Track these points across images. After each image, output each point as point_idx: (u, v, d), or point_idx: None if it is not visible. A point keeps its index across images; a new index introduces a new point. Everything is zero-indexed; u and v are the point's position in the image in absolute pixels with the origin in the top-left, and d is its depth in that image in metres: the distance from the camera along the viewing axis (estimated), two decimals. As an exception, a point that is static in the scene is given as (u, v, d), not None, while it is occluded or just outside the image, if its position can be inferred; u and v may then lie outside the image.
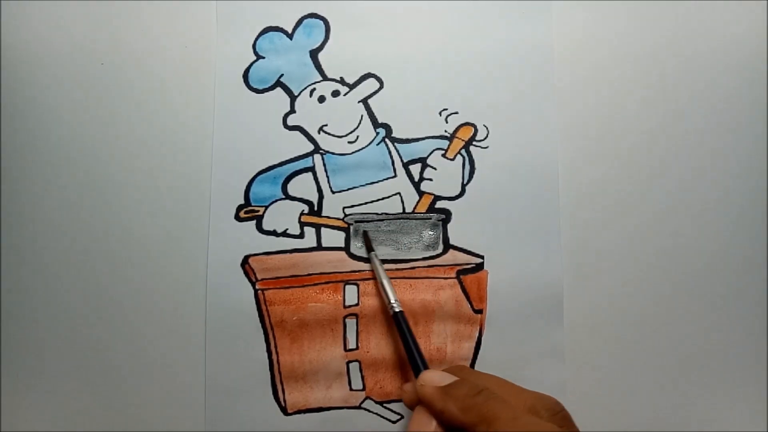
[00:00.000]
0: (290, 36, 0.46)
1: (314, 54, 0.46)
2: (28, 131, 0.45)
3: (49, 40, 0.46)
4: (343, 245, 0.44)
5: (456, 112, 0.46)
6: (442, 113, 0.46)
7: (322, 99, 0.46)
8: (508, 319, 0.44)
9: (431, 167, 0.45)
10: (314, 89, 0.46)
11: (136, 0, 0.46)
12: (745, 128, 0.46)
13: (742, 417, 0.44)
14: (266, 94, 0.46)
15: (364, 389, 0.43)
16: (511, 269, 0.44)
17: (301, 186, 0.45)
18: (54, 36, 0.46)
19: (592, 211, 0.45)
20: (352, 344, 0.44)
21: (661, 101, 0.46)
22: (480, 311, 0.44)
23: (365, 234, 0.44)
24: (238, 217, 0.44)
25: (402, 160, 0.45)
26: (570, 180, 0.45)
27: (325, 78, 0.46)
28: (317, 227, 0.45)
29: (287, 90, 0.46)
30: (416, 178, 0.45)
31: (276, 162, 0.45)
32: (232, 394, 0.43)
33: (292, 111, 0.45)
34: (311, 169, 0.45)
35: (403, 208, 0.45)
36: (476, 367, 0.44)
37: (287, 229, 0.44)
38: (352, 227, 0.45)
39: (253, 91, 0.46)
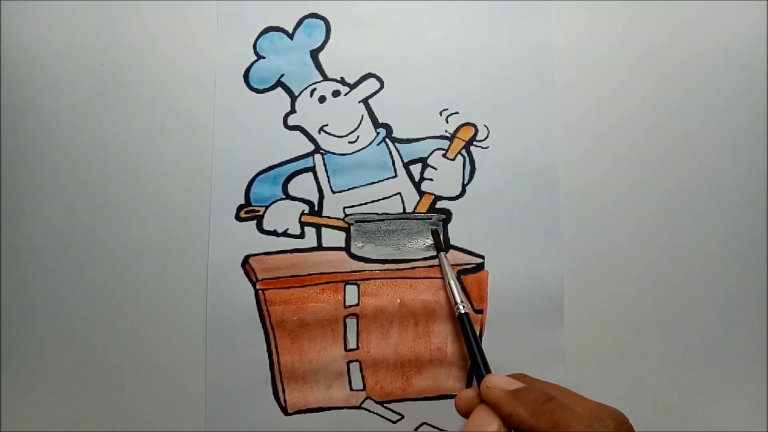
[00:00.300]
0: (291, 36, 0.46)
1: (315, 54, 0.46)
2: (29, 131, 0.45)
3: (49, 40, 0.46)
4: (343, 245, 0.44)
5: (456, 112, 0.46)
6: (443, 113, 0.46)
7: (322, 99, 0.46)
8: (508, 319, 0.44)
9: (432, 167, 0.45)
10: (315, 89, 0.46)
11: (136, 0, 0.46)
12: (745, 128, 0.46)
13: (742, 417, 0.44)
14: (267, 94, 0.46)
15: (364, 389, 0.43)
16: (511, 269, 0.44)
17: (302, 186, 0.45)
18: (54, 36, 0.46)
19: (592, 211, 0.45)
20: (352, 344, 0.44)
21: (661, 101, 0.46)
22: (480, 311, 0.44)
23: (435, 233, 0.44)
24: (238, 217, 0.44)
25: (402, 160, 0.45)
26: (570, 180, 0.45)
27: (325, 78, 0.46)
28: (318, 227, 0.45)
29: (288, 90, 0.46)
30: (417, 178, 0.45)
31: (276, 162, 0.45)
32: (232, 394, 0.43)
33: (293, 111, 0.45)
34: (312, 169, 0.45)
35: (404, 208, 0.45)
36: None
37: (288, 229, 0.44)
38: (352, 228, 0.45)
39: (254, 91, 0.46)
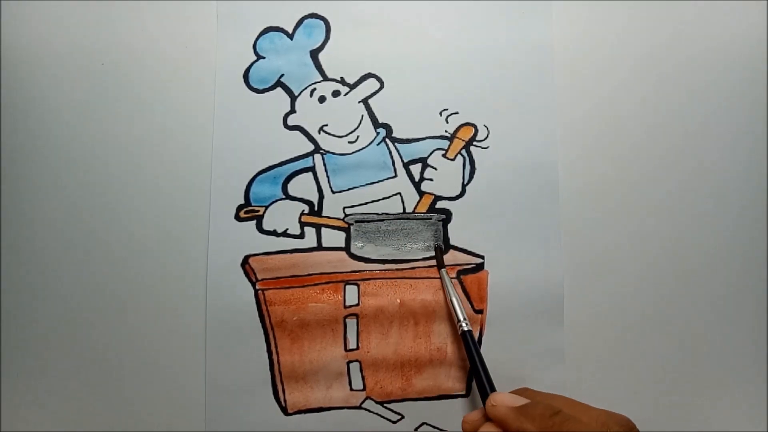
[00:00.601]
0: (290, 36, 0.46)
1: (314, 54, 0.46)
2: (29, 131, 0.45)
3: (49, 40, 0.46)
4: (343, 245, 0.44)
5: (456, 112, 0.46)
6: (443, 113, 0.46)
7: (322, 99, 0.46)
8: (508, 319, 0.44)
9: (432, 167, 0.45)
10: (314, 89, 0.46)
11: (136, 0, 0.46)
12: (745, 128, 0.46)
13: (742, 417, 0.44)
14: (266, 94, 0.46)
15: (364, 389, 0.43)
16: (511, 269, 0.44)
17: (302, 186, 0.45)
18: (54, 36, 0.46)
19: (592, 211, 0.45)
20: (352, 344, 0.44)
21: (661, 101, 0.46)
22: (480, 311, 0.44)
23: (437, 249, 0.44)
24: (238, 217, 0.44)
25: (402, 160, 0.45)
26: (570, 180, 0.45)
27: (325, 78, 0.46)
28: (317, 227, 0.45)
29: (287, 90, 0.46)
30: (416, 178, 0.45)
31: (276, 162, 0.45)
32: (232, 394, 0.43)
33: (293, 111, 0.45)
34: (311, 169, 0.45)
35: (404, 208, 0.45)
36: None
37: (287, 229, 0.44)
38: (352, 228, 0.45)
39: (254, 91, 0.46)
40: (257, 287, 0.44)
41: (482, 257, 0.44)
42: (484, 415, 0.36)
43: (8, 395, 0.44)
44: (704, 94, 0.46)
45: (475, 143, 0.45)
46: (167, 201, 0.45)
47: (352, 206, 0.45)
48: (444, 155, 0.45)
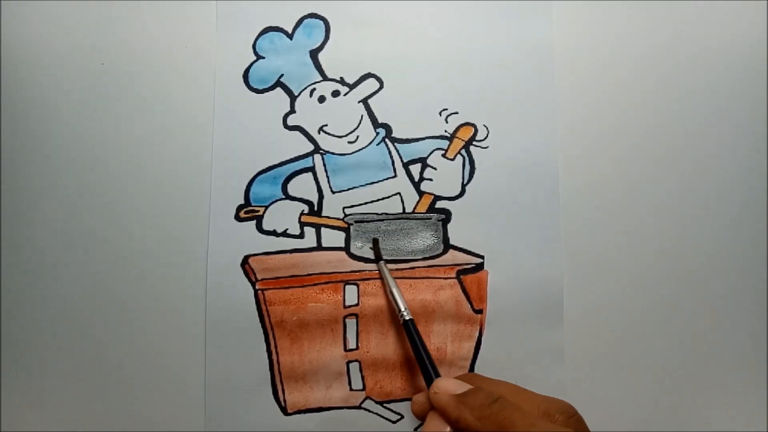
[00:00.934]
0: (290, 36, 0.46)
1: (314, 54, 0.46)
2: (29, 131, 0.45)
3: (49, 40, 0.46)
4: (343, 245, 0.44)
5: (456, 112, 0.46)
6: (442, 113, 0.46)
7: (322, 99, 0.46)
8: (508, 319, 0.44)
9: (431, 167, 0.45)
10: (314, 89, 0.46)
11: (136, 0, 0.46)
12: (745, 128, 0.46)
13: (742, 417, 0.44)
14: (266, 94, 0.46)
15: (364, 389, 0.43)
16: (511, 269, 0.44)
17: (301, 186, 0.45)
18: (54, 36, 0.46)
19: (592, 211, 0.45)
20: (352, 344, 0.44)
21: (661, 101, 0.46)
22: (480, 311, 0.44)
23: (375, 242, 0.44)
24: (238, 217, 0.44)
25: (402, 160, 0.45)
26: (570, 180, 0.45)
27: (325, 78, 0.46)
28: (317, 227, 0.45)
29: (287, 90, 0.46)
30: (416, 178, 0.45)
31: (276, 162, 0.45)
32: (232, 394, 0.43)
33: (292, 111, 0.45)
34: (311, 169, 0.45)
35: (403, 208, 0.45)
36: (476, 368, 0.44)
37: (287, 229, 0.44)
38: (352, 228, 0.45)
39: (253, 91, 0.46)
40: (257, 287, 0.44)
41: (482, 257, 0.44)
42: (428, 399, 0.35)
43: (8, 395, 0.44)
44: (704, 94, 0.46)
45: (474, 143, 0.45)
46: (167, 201, 0.45)
47: (352, 206, 0.45)
48: (444, 155, 0.45)
